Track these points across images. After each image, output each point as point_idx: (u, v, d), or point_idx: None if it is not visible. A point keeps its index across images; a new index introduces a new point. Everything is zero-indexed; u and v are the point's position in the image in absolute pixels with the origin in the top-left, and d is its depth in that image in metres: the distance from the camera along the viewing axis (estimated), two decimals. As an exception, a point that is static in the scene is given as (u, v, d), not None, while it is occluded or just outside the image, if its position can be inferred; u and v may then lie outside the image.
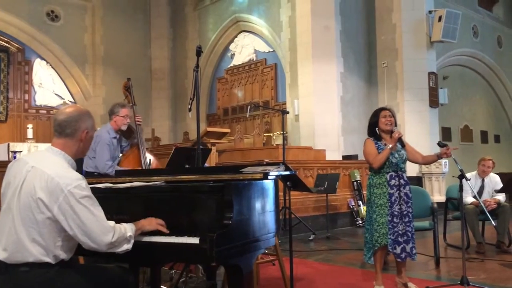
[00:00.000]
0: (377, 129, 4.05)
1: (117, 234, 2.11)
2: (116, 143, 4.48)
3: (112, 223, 2.13)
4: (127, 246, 2.14)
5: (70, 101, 14.30)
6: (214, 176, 2.47)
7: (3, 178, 2.22)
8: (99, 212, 2.09)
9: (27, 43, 13.68)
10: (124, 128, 4.50)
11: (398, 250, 3.88)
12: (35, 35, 13.59)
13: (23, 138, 12.94)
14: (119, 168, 4.34)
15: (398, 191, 3.93)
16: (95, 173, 4.27)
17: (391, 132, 4.02)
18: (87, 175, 4.13)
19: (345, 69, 11.12)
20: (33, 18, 13.40)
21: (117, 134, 4.50)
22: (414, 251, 3.95)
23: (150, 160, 4.68)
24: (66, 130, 2.20)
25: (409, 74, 10.99)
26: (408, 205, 3.96)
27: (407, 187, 3.99)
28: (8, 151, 10.27)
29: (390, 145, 3.92)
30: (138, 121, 4.59)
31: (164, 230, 2.29)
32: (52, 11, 13.88)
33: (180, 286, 4.01)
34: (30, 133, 13.05)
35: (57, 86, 14.33)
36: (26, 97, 13.77)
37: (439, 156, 4.04)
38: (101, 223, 2.08)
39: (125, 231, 2.14)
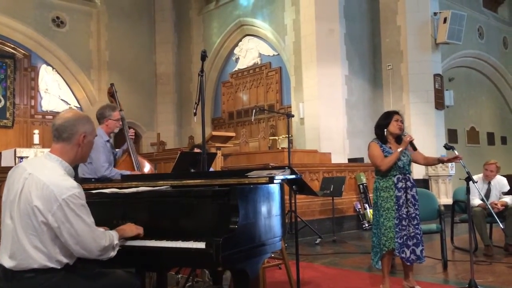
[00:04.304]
0: (385, 130, 4.03)
1: (108, 240, 2.13)
2: (110, 147, 4.39)
3: (102, 229, 2.17)
4: (112, 253, 2.16)
5: (76, 107, 14.35)
6: (220, 181, 2.47)
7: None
8: (92, 221, 2.11)
9: (33, 49, 13.76)
10: (116, 130, 4.45)
11: (408, 253, 3.85)
12: (41, 41, 13.68)
13: (29, 144, 13.01)
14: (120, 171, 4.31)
15: (405, 194, 3.92)
16: (93, 179, 4.16)
17: (397, 137, 4.01)
18: (85, 181, 4.05)
19: (350, 72, 11.08)
20: (39, 24, 13.49)
21: (110, 138, 4.42)
22: (423, 254, 3.94)
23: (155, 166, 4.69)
24: (63, 135, 2.19)
25: (414, 76, 10.96)
26: (416, 207, 3.94)
27: (414, 189, 3.98)
28: (15, 156, 10.34)
29: (401, 148, 3.91)
30: (131, 135, 4.58)
31: (142, 234, 2.33)
32: (58, 17, 13.97)
33: (186, 291, 4.00)
34: (36, 139, 13.14)
35: (63, 92, 14.40)
36: (32, 102, 13.83)
37: (440, 160, 4.06)
38: (94, 231, 2.09)
39: (113, 238, 2.17)
